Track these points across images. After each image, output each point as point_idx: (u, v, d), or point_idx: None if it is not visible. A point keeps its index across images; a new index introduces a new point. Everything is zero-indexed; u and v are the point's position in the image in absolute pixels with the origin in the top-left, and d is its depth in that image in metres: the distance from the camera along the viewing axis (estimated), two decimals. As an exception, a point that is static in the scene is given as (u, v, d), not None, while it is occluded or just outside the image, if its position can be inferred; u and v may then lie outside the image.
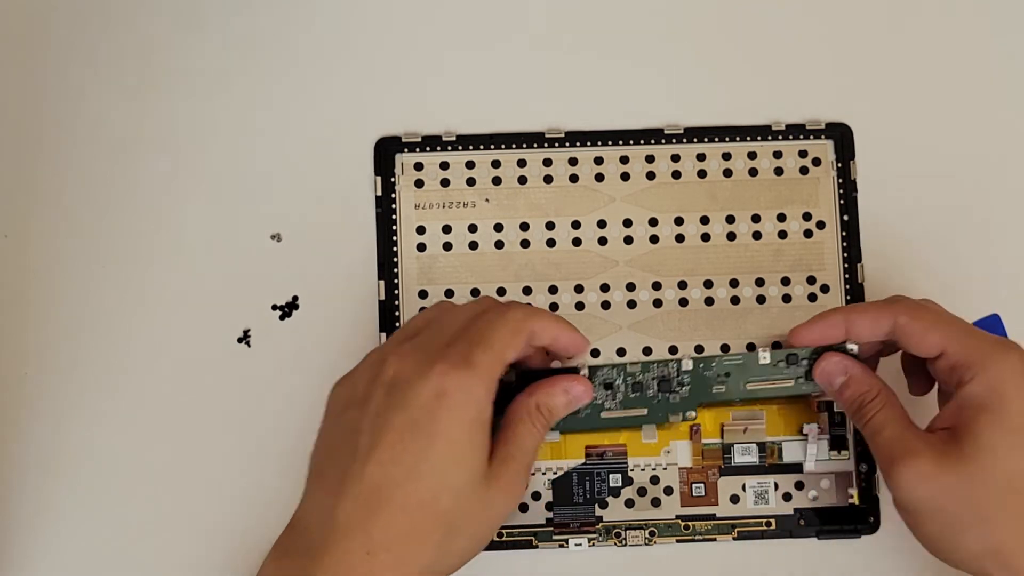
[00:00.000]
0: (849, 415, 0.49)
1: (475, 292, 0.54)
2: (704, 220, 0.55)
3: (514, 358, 0.45)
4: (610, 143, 0.55)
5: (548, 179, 0.55)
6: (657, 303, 0.54)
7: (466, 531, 0.44)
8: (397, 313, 0.54)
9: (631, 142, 0.55)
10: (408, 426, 0.43)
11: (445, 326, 0.46)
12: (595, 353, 0.54)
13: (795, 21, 0.56)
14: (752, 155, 0.55)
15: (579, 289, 0.54)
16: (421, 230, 0.54)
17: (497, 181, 0.55)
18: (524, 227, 0.54)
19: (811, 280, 0.54)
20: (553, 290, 0.54)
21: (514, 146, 0.55)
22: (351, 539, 0.42)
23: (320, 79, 0.56)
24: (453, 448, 0.43)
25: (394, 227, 0.54)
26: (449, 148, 0.55)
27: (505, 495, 0.45)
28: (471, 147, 0.55)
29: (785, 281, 0.54)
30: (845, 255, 0.54)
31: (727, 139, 0.55)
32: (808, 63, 0.56)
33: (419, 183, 0.55)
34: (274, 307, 0.54)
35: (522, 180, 0.55)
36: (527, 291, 0.54)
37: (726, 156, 0.55)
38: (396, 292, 0.54)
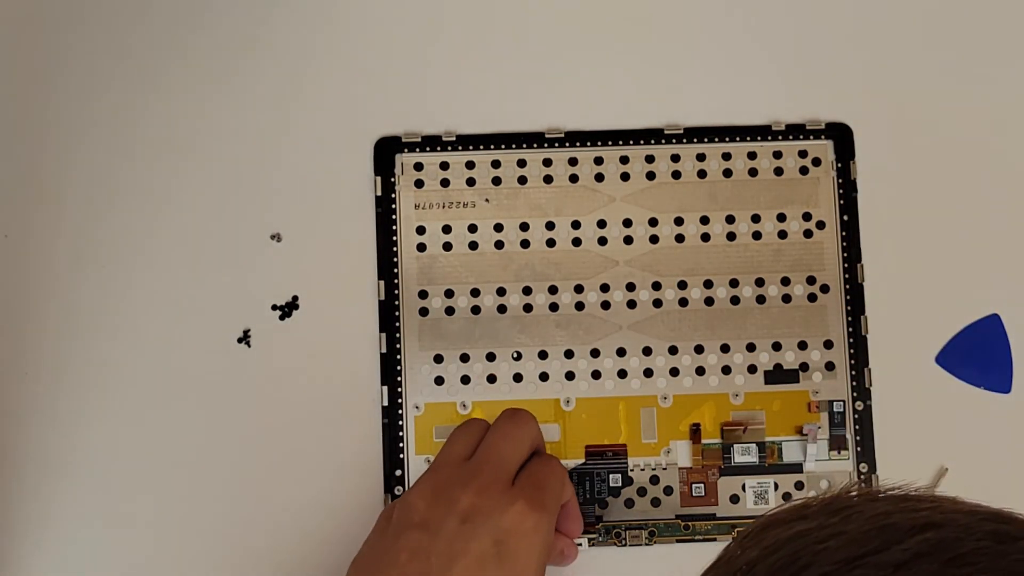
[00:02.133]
0: None
1: (475, 292, 0.54)
2: (704, 220, 0.55)
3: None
4: (610, 143, 0.55)
5: (548, 179, 0.55)
6: (657, 303, 0.54)
7: None
8: (397, 313, 0.54)
9: (631, 142, 0.55)
10: (489, 557, 0.44)
11: (504, 459, 0.48)
12: (595, 353, 0.54)
13: (795, 21, 0.56)
14: (752, 155, 0.55)
15: (579, 289, 0.54)
16: (421, 230, 0.54)
17: (497, 181, 0.55)
18: (524, 227, 0.54)
19: (811, 280, 0.54)
20: (553, 290, 0.54)
21: (514, 146, 0.55)
22: None
23: (320, 79, 0.56)
24: None
25: (394, 227, 0.54)
26: (449, 148, 0.55)
27: None
28: (471, 147, 0.55)
29: (785, 281, 0.54)
30: (845, 255, 0.54)
31: (727, 139, 0.55)
32: (808, 63, 0.56)
33: (419, 183, 0.55)
34: (274, 307, 0.54)
35: (522, 180, 0.55)
36: (527, 291, 0.54)
37: (726, 156, 0.55)
38: (396, 292, 0.54)
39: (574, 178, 0.55)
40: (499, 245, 0.54)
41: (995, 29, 0.56)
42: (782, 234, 0.55)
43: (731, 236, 0.55)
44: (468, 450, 0.49)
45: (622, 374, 0.53)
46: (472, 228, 0.54)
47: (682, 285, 0.54)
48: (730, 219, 0.55)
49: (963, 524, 0.27)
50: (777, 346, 0.54)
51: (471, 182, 0.55)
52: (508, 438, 0.49)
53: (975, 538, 0.26)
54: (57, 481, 0.53)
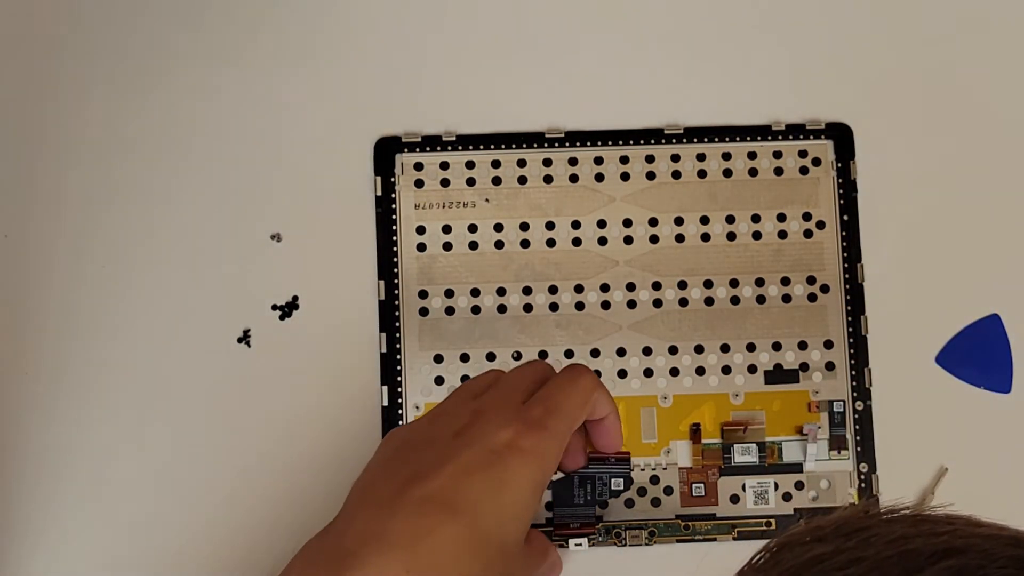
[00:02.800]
0: None
1: (475, 292, 0.54)
2: (704, 220, 0.55)
3: (578, 425, 0.47)
4: (610, 143, 0.55)
5: (548, 179, 0.55)
6: (657, 303, 0.54)
7: None
8: (397, 313, 0.54)
9: (631, 142, 0.55)
10: (478, 465, 0.43)
11: (515, 385, 0.46)
12: (595, 353, 0.54)
13: (795, 21, 0.56)
14: (752, 155, 0.55)
15: (579, 289, 0.54)
16: (421, 230, 0.54)
17: (497, 181, 0.55)
18: (524, 227, 0.54)
19: (811, 280, 0.54)
20: (553, 290, 0.54)
21: (514, 146, 0.55)
22: (393, 554, 0.41)
23: (320, 79, 0.56)
24: (518, 500, 0.43)
25: (394, 227, 0.54)
26: (449, 148, 0.55)
27: (537, 560, 0.47)
28: (471, 147, 0.55)
29: (785, 281, 0.54)
30: (845, 255, 0.54)
31: (727, 139, 0.55)
32: (808, 63, 0.56)
33: (419, 183, 0.55)
34: (274, 307, 0.54)
35: (522, 180, 0.55)
36: (527, 291, 0.54)
37: (726, 156, 0.55)
38: (396, 292, 0.54)
39: (574, 178, 0.55)
40: (499, 245, 0.54)
41: (995, 29, 0.57)
42: (782, 234, 0.55)
43: (731, 236, 0.55)
44: (484, 386, 0.47)
45: (622, 374, 0.53)
46: (472, 228, 0.54)
47: (682, 285, 0.54)
48: (730, 219, 0.55)
49: (984, 549, 0.26)
50: (777, 346, 0.54)
51: (471, 182, 0.55)
52: (533, 368, 0.48)
53: (997, 564, 0.26)
54: (57, 481, 0.53)
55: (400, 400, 0.53)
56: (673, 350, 0.54)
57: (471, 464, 0.42)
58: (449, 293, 0.54)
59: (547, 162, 0.55)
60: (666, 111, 0.55)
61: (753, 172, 0.55)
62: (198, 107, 0.55)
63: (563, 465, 0.51)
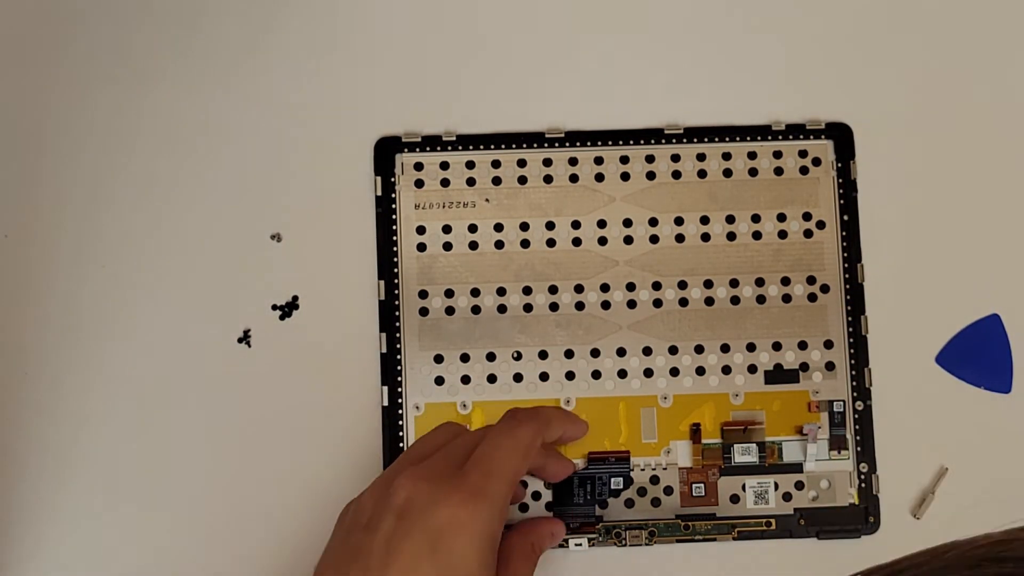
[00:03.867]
0: None
1: (475, 292, 0.54)
2: (704, 220, 0.55)
3: (523, 476, 0.47)
4: (610, 143, 0.55)
5: (548, 179, 0.55)
6: (657, 303, 0.54)
7: None
8: (397, 313, 0.54)
9: (631, 142, 0.55)
10: (424, 553, 0.43)
11: (455, 449, 0.46)
12: (595, 353, 0.54)
13: (795, 21, 0.56)
14: (752, 155, 0.55)
15: (579, 289, 0.54)
16: (421, 230, 0.54)
17: (497, 181, 0.55)
18: (524, 227, 0.54)
19: (811, 280, 0.54)
20: (553, 290, 0.54)
21: (514, 146, 0.55)
22: None
23: (320, 79, 0.56)
24: (471, 571, 0.43)
25: (394, 227, 0.54)
26: (449, 148, 0.55)
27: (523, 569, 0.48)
28: (471, 147, 0.55)
29: (785, 281, 0.54)
30: (845, 255, 0.54)
31: (727, 139, 0.55)
32: (808, 63, 0.56)
33: (419, 183, 0.55)
34: (274, 307, 0.54)
35: (522, 180, 0.55)
36: (527, 291, 0.54)
37: (726, 156, 0.55)
38: (396, 292, 0.54)
39: (574, 178, 0.55)
40: (499, 245, 0.54)
41: (995, 29, 0.56)
42: (782, 234, 0.55)
43: (731, 236, 0.55)
44: (431, 448, 0.47)
45: (622, 374, 0.54)
46: (472, 228, 0.54)
47: (682, 285, 0.54)
48: (730, 219, 0.55)
49: None
50: (777, 346, 0.54)
51: (471, 182, 0.55)
52: (462, 432, 0.48)
53: None
54: (57, 481, 0.53)
55: (400, 400, 0.53)
56: (673, 350, 0.54)
57: (417, 554, 0.42)
58: (449, 293, 0.54)
59: (547, 162, 0.55)
60: (666, 111, 0.55)
61: (753, 172, 0.55)
62: (198, 107, 0.55)
63: (553, 476, 0.51)
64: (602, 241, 0.54)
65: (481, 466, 0.45)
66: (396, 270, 0.54)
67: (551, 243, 0.54)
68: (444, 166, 0.55)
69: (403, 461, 0.47)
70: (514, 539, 0.49)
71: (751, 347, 0.54)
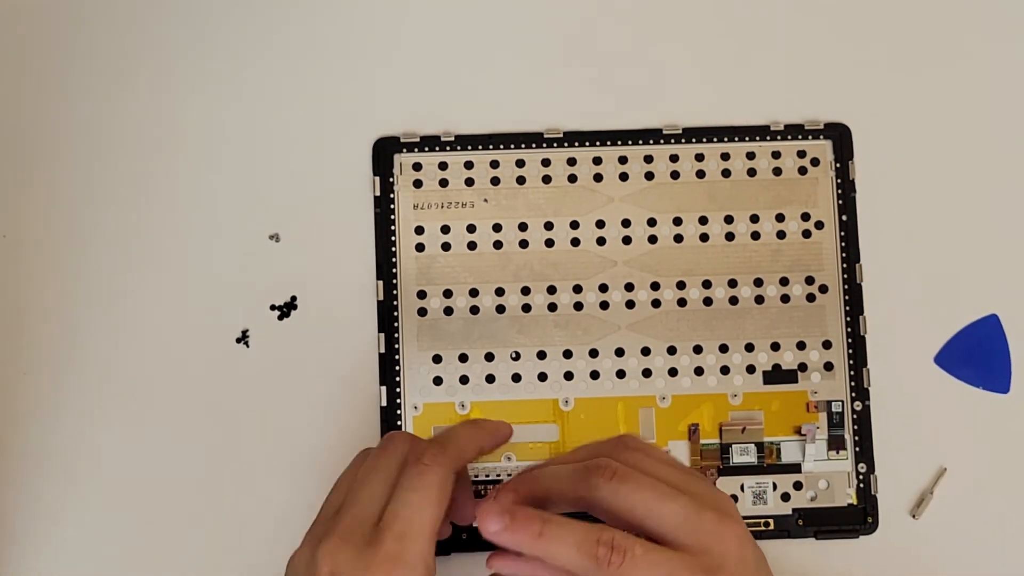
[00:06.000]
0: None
1: (474, 292, 0.54)
2: (703, 220, 0.55)
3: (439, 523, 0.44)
4: (608, 143, 0.55)
5: (547, 179, 0.55)
6: (656, 303, 0.54)
7: None
8: (396, 313, 0.54)
9: (629, 142, 0.55)
10: None
11: (365, 503, 0.44)
12: (593, 353, 0.54)
13: (794, 21, 0.56)
14: (751, 155, 0.55)
15: (577, 289, 0.54)
16: (420, 230, 0.54)
17: (496, 181, 0.55)
18: (523, 227, 0.55)
19: (810, 280, 0.54)
20: (551, 290, 0.54)
21: (513, 146, 0.55)
22: None
23: (319, 79, 0.56)
24: None
25: (393, 227, 0.54)
26: (448, 148, 0.55)
27: None
28: (470, 147, 0.55)
29: (784, 281, 0.54)
30: (844, 255, 0.54)
31: (725, 139, 0.55)
32: (807, 63, 0.56)
33: (418, 183, 0.55)
34: (273, 307, 0.54)
35: (521, 180, 0.55)
36: (526, 291, 0.54)
37: (724, 156, 0.55)
38: (395, 292, 0.54)
39: (573, 178, 0.55)
40: (498, 245, 0.54)
41: (995, 29, 0.56)
42: (781, 234, 0.55)
43: (730, 236, 0.54)
44: (345, 490, 0.45)
45: (621, 374, 0.54)
46: (471, 228, 0.54)
47: (681, 285, 0.54)
48: (729, 219, 0.55)
49: None
50: (776, 346, 0.54)
51: (470, 182, 0.55)
52: (373, 473, 0.45)
53: None
54: (57, 481, 0.53)
55: (399, 400, 0.53)
56: (672, 350, 0.54)
57: None
58: (448, 293, 0.54)
59: (546, 162, 0.55)
60: (665, 111, 0.55)
61: (752, 172, 0.55)
62: (197, 107, 0.55)
63: (461, 519, 0.49)
64: (600, 241, 0.54)
65: (393, 529, 0.43)
66: (395, 270, 0.54)
67: (550, 243, 0.54)
68: (443, 166, 0.55)
69: (321, 518, 0.45)
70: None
71: (749, 347, 0.54)
